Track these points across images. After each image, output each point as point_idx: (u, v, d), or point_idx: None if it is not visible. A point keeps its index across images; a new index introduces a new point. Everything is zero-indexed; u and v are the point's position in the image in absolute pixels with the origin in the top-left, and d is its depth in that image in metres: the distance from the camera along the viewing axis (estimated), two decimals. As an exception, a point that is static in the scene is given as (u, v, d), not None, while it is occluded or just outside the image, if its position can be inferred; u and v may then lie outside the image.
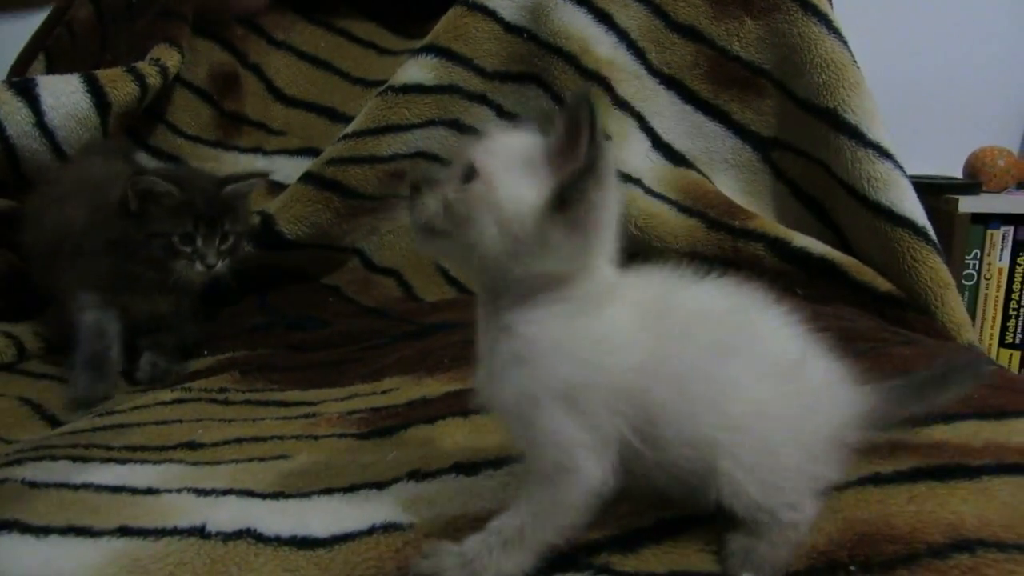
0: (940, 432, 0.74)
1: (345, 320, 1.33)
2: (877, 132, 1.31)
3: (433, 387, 0.96)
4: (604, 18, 1.45)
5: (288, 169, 1.61)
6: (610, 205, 0.55)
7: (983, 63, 1.92)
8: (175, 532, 0.60)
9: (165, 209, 1.07)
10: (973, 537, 0.56)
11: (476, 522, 0.59)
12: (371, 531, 0.59)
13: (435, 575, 0.54)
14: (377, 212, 1.52)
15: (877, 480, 0.63)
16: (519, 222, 0.52)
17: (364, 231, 1.53)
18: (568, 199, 0.52)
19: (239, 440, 0.82)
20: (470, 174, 0.54)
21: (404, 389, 0.96)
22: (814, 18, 1.36)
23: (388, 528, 0.59)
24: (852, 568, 0.53)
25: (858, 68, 1.35)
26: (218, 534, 0.60)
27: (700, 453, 0.55)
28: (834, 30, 1.35)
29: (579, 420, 0.53)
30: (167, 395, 0.99)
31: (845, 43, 1.36)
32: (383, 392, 0.97)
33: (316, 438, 0.82)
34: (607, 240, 0.56)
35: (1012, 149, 1.85)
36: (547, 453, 0.53)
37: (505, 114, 1.50)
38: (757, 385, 0.56)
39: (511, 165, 0.53)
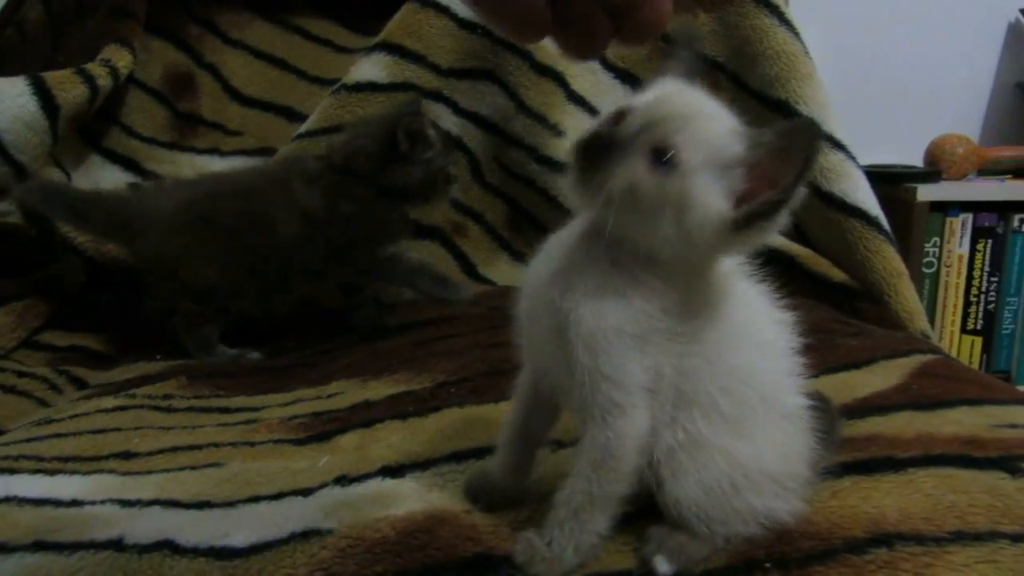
0: (874, 424, 0.74)
1: (297, 322, 1.31)
2: (829, 123, 1.31)
3: (378, 390, 0.95)
4: (557, 12, 1.44)
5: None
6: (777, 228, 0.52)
7: (943, 52, 1.92)
8: (91, 546, 0.59)
9: (433, 144, 1.15)
10: (893, 531, 0.56)
11: (397, 522, 0.59)
12: (289, 539, 0.58)
13: (528, 561, 0.54)
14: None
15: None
16: (700, 231, 0.50)
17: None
18: (751, 225, 0.49)
19: (174, 449, 0.81)
20: (669, 161, 0.49)
21: (349, 393, 0.96)
22: (765, 10, 1.36)
23: (306, 535, 0.58)
24: (767, 565, 0.53)
25: (810, 59, 1.35)
26: (135, 546, 0.58)
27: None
28: (785, 22, 1.35)
29: (645, 363, 0.52)
30: (109, 402, 0.98)
31: (797, 34, 1.36)
32: (328, 396, 0.96)
33: (252, 444, 0.81)
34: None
35: (972, 137, 1.85)
36: (606, 389, 0.52)
37: (461, 112, 1.50)
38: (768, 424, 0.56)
39: (711, 165, 0.50)
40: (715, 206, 0.49)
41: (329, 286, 1.23)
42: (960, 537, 0.55)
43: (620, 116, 0.52)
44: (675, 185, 0.49)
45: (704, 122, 0.51)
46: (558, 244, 0.57)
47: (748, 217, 0.49)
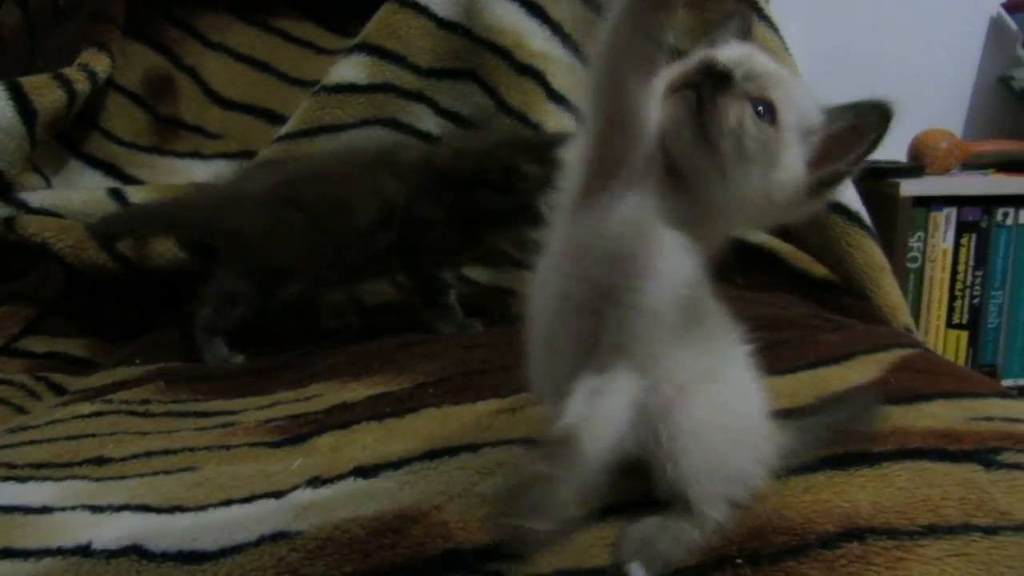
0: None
1: (280, 324, 1.31)
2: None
3: (357, 392, 0.94)
4: (537, 11, 1.44)
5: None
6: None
7: (926, 47, 1.93)
8: (59, 552, 0.59)
9: (528, 181, 1.12)
10: (865, 525, 0.56)
11: (366, 522, 0.58)
12: (259, 542, 0.58)
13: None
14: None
15: (777, 472, 0.63)
16: (780, 188, 0.52)
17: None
18: (818, 191, 0.53)
19: (148, 454, 0.80)
20: (769, 113, 0.52)
21: (328, 395, 0.95)
22: (745, 6, 1.36)
23: (276, 538, 0.58)
24: (739, 561, 0.53)
25: (790, 55, 1.35)
26: (102, 552, 0.58)
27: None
28: (764, 17, 1.35)
29: None
30: (86, 408, 0.97)
31: (776, 31, 1.36)
32: (306, 399, 0.95)
33: (228, 448, 0.80)
34: None
35: (955, 131, 1.86)
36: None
37: (442, 112, 1.49)
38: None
39: (799, 128, 0.53)
40: (797, 166, 0.53)
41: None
42: (933, 530, 0.55)
43: (712, 63, 0.53)
44: (772, 138, 0.51)
45: (794, 86, 0.54)
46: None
47: (819, 183, 0.53)
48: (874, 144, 0.52)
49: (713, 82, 0.51)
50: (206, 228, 1.25)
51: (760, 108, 0.51)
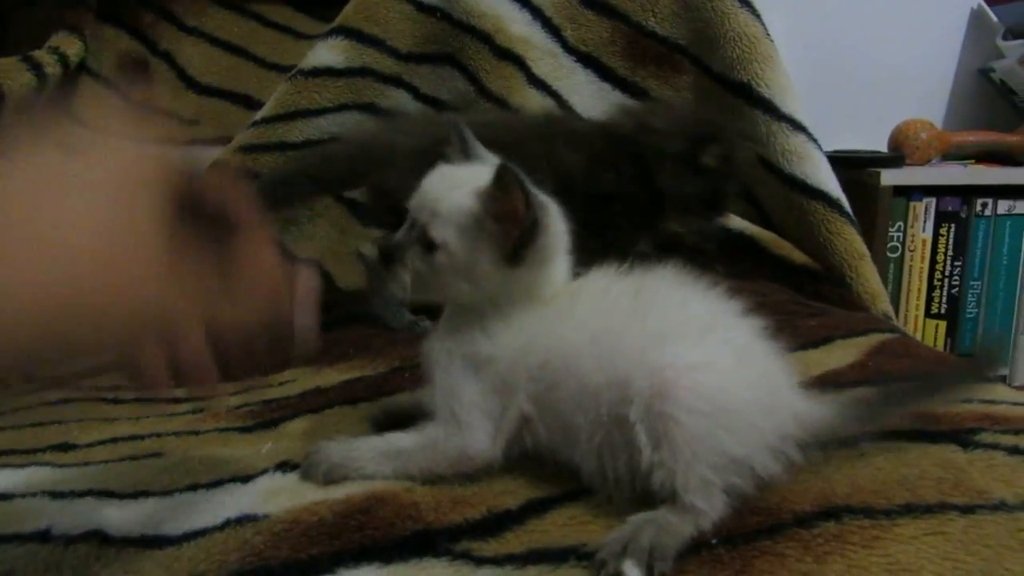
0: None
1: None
2: (790, 105, 1.30)
3: (330, 377, 0.93)
4: (517, -5, 1.43)
5: (202, 161, 1.56)
6: (558, 235, 0.64)
7: (907, 38, 1.93)
8: (16, 538, 0.57)
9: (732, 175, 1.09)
10: (842, 504, 0.55)
11: (335, 504, 0.57)
12: (223, 526, 0.56)
13: (318, 460, 0.62)
14: (294, 202, 1.49)
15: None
16: (484, 277, 0.61)
17: (282, 222, 1.49)
18: (521, 255, 0.60)
19: (115, 440, 0.78)
20: (431, 246, 0.61)
21: (301, 380, 0.93)
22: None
23: (241, 521, 0.56)
24: (713, 542, 0.52)
25: (771, 42, 1.35)
26: (61, 537, 0.56)
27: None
28: (746, 3, 1.35)
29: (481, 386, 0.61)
30: (54, 395, 0.95)
31: (758, 16, 1.35)
32: (280, 384, 0.93)
33: (198, 434, 0.79)
34: (561, 260, 0.65)
35: (935, 122, 1.86)
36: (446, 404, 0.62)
37: (421, 97, 1.47)
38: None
39: (464, 231, 0.60)
40: (482, 256, 0.61)
41: None
42: (910, 510, 0.54)
43: (382, 249, 0.66)
44: (443, 259, 0.61)
45: (448, 198, 0.61)
46: None
47: (514, 251, 0.60)
48: (524, 192, 0.58)
49: (387, 259, 0.64)
50: (351, 182, 1.19)
51: (426, 246, 0.61)
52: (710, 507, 0.54)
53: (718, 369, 0.56)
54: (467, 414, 0.61)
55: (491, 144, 1.11)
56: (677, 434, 0.53)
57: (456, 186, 0.62)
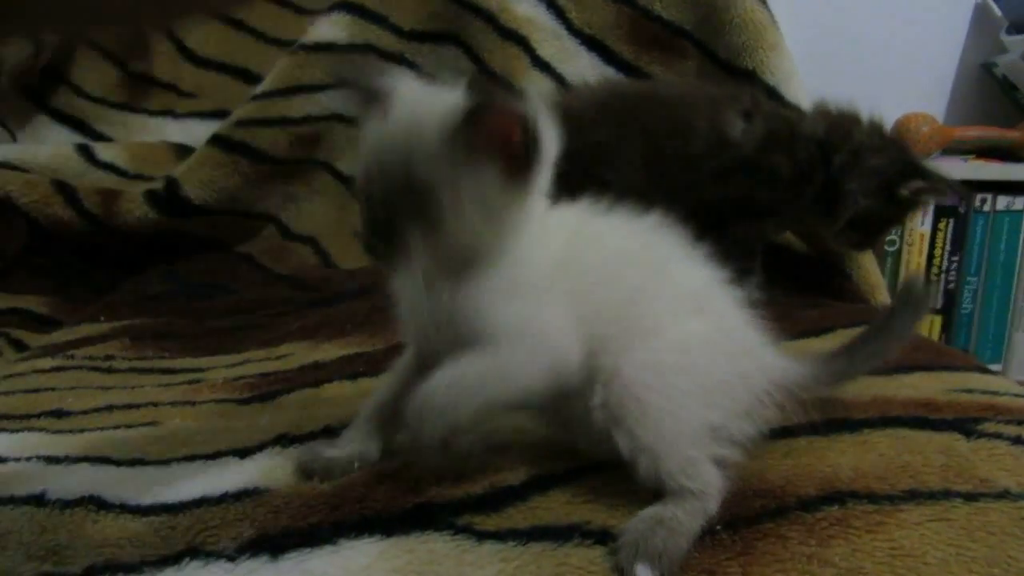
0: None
1: (253, 288, 1.28)
2: (795, 92, 1.30)
3: (329, 352, 0.92)
4: (522, -26, 1.41)
5: (200, 134, 1.54)
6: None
7: (910, 31, 1.92)
8: (10, 501, 0.56)
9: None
10: (846, 489, 0.55)
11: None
12: (222, 498, 0.55)
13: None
14: (294, 179, 1.48)
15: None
16: (496, 209, 0.54)
17: (280, 198, 1.48)
18: (524, 174, 0.53)
19: (110, 407, 0.77)
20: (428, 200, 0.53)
21: (299, 354, 0.93)
22: None
23: (240, 495, 0.56)
24: (718, 528, 0.51)
25: (778, 29, 1.34)
26: (56, 502, 0.55)
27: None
28: (753, -10, 1.33)
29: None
30: (47, 363, 0.94)
31: (764, 3, 1.34)
32: (277, 358, 0.93)
33: (194, 404, 0.78)
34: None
35: (937, 116, 1.86)
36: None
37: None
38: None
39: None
40: (486, 184, 0.52)
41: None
42: (913, 496, 0.54)
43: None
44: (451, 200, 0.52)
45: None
46: None
47: (515, 169, 0.52)
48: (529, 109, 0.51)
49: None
50: None
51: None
52: (705, 484, 0.52)
53: (686, 342, 0.55)
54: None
55: (662, 98, 1.12)
56: (649, 413, 0.52)
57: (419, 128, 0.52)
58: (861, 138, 1.10)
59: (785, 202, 1.10)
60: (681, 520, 0.51)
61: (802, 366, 0.60)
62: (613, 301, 0.55)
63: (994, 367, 1.78)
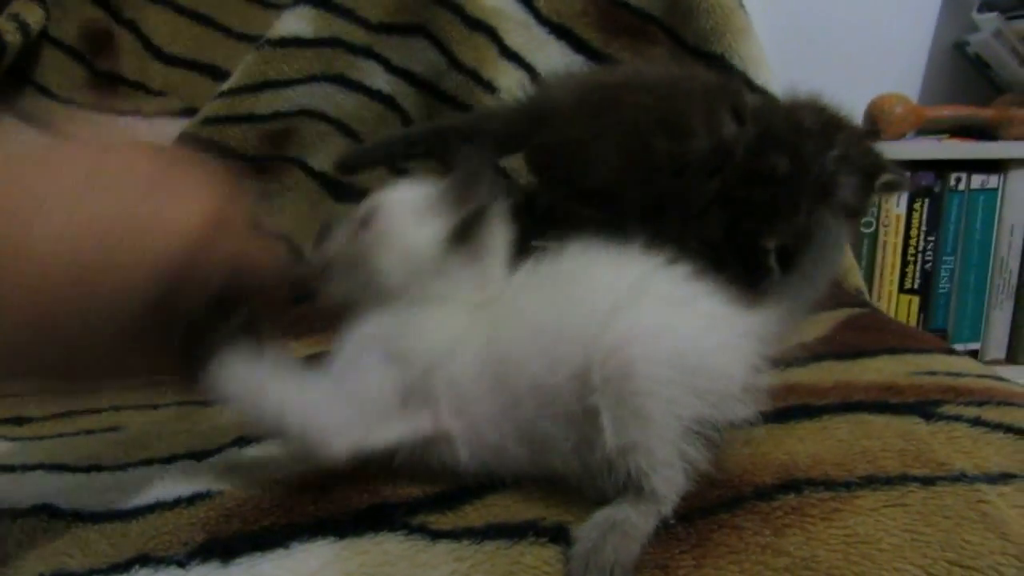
0: (794, 374, 0.73)
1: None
2: (764, 77, 1.29)
3: (297, 351, 0.91)
4: (489, -37, 1.40)
5: (170, 133, 1.52)
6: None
7: (881, 11, 1.92)
8: (-40, 514, 0.55)
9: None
10: (803, 476, 0.55)
11: (290, 479, 0.56)
12: (176, 503, 0.55)
13: None
14: (265, 176, 1.46)
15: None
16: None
17: (253, 196, 1.46)
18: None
19: (71, 413, 0.77)
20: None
21: (266, 354, 0.92)
22: None
23: (194, 499, 0.55)
24: (672, 521, 0.51)
25: (745, 13, 1.33)
26: (8, 511, 0.55)
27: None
28: (720, -28, 1.33)
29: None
30: (11, 370, 0.93)
31: (732, -15, 1.33)
32: (244, 358, 0.92)
33: (156, 407, 0.77)
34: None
35: (911, 96, 1.86)
36: None
37: (394, 69, 1.44)
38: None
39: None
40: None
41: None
42: (871, 481, 0.54)
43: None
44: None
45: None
46: None
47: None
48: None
49: None
50: (510, 144, 1.07)
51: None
52: (670, 488, 0.51)
53: (678, 331, 0.53)
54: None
55: (651, 88, 0.99)
56: (651, 408, 0.50)
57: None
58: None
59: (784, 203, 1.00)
60: (635, 523, 0.49)
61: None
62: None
63: (973, 346, 1.80)
